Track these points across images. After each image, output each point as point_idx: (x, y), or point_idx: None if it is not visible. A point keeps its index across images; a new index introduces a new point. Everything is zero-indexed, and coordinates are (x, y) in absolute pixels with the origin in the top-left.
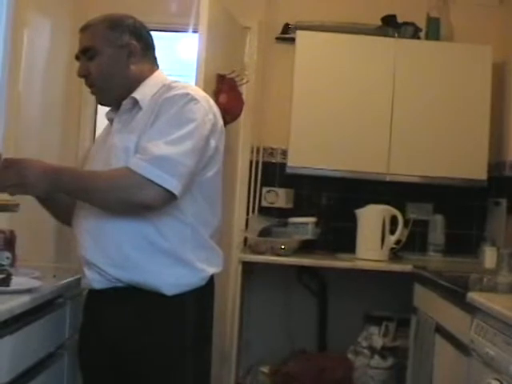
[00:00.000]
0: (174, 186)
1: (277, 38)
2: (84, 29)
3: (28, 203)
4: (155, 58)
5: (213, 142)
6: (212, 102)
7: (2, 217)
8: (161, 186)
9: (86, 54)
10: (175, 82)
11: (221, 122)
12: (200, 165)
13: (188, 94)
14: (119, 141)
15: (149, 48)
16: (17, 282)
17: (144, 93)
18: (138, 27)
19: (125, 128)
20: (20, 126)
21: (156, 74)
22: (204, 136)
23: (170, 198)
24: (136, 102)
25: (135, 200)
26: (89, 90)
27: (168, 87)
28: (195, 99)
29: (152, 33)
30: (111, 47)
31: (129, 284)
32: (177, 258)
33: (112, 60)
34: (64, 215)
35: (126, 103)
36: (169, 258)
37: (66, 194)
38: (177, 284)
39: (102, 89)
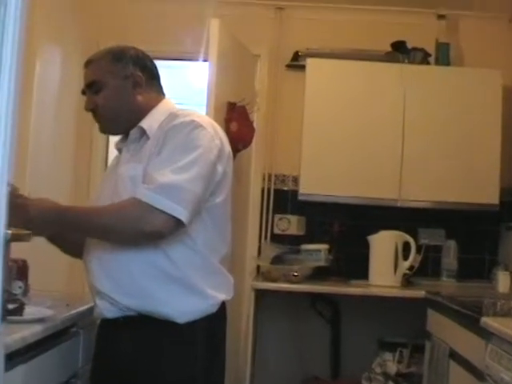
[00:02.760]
0: (181, 213)
1: (287, 66)
2: (88, 63)
3: None
4: (161, 87)
5: (220, 168)
6: (218, 127)
7: (14, 246)
8: (168, 214)
9: (91, 88)
10: (181, 110)
11: (228, 147)
12: (208, 191)
13: (193, 121)
14: (127, 170)
15: (154, 77)
16: (29, 311)
17: (151, 122)
18: (141, 57)
19: (133, 157)
20: (31, 157)
21: (163, 102)
22: (210, 162)
23: (178, 225)
24: (143, 132)
25: (143, 229)
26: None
27: (174, 115)
28: (200, 126)
29: (163, 62)
30: (116, 79)
31: (140, 312)
32: (187, 286)
33: (118, 92)
34: (74, 250)
35: (133, 133)
36: (179, 285)
37: (74, 232)
38: (188, 312)
39: (110, 120)
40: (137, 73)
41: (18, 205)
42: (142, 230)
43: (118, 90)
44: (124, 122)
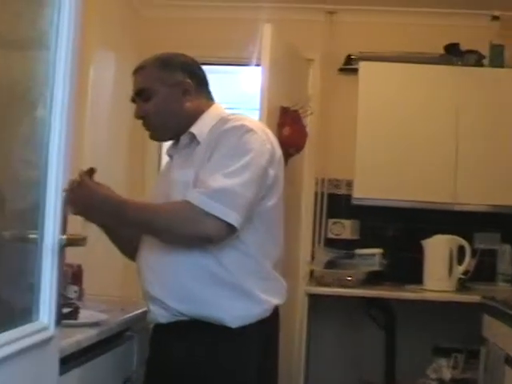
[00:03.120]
0: (233, 218)
1: (340, 70)
2: (136, 71)
3: (95, 237)
4: (210, 93)
5: (271, 172)
6: (269, 131)
7: (69, 251)
8: (221, 219)
9: (140, 95)
10: (232, 114)
11: (279, 151)
12: (259, 195)
13: (244, 126)
14: (179, 176)
15: (202, 83)
16: (84, 315)
17: (201, 127)
18: (189, 64)
19: (184, 163)
20: (86, 162)
21: (213, 107)
22: (262, 166)
23: (230, 230)
24: (194, 137)
25: (196, 234)
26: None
27: (224, 120)
28: (251, 130)
29: (216, 67)
30: (165, 86)
31: (192, 317)
32: (240, 290)
33: (167, 99)
34: (129, 250)
35: (184, 138)
36: (232, 290)
37: (129, 227)
38: (241, 316)
39: (160, 127)
40: (186, 80)
41: (87, 183)
42: (194, 233)
43: (168, 97)
44: (174, 129)
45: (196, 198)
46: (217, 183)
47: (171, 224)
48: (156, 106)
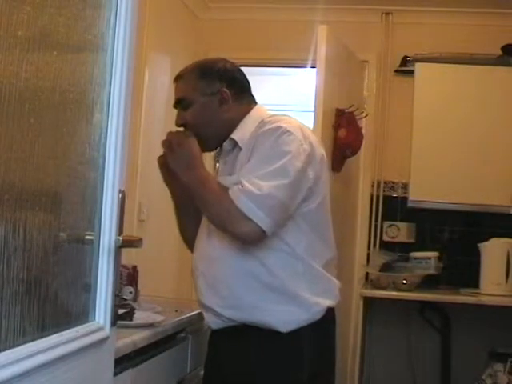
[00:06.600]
0: (267, 224)
1: (395, 71)
2: (177, 79)
3: (151, 239)
4: (252, 97)
5: (311, 173)
6: (308, 131)
7: (125, 252)
8: (256, 224)
9: (180, 104)
10: (272, 116)
11: (320, 150)
12: (297, 198)
13: (280, 127)
14: (222, 182)
15: (243, 90)
16: (139, 316)
17: (242, 133)
18: (228, 70)
19: (228, 169)
20: (141, 164)
21: (254, 111)
22: (299, 168)
23: (260, 235)
24: (236, 143)
25: (229, 230)
26: None
27: (264, 123)
28: (288, 131)
29: (270, 69)
30: (202, 96)
31: (243, 323)
32: (289, 295)
33: (205, 108)
34: (189, 236)
35: (226, 145)
36: (281, 295)
37: (189, 192)
38: (291, 320)
39: (199, 136)
40: (223, 89)
41: (184, 138)
42: (228, 229)
43: (205, 106)
44: (213, 138)
45: (237, 196)
46: (254, 185)
47: (212, 212)
48: (193, 115)
